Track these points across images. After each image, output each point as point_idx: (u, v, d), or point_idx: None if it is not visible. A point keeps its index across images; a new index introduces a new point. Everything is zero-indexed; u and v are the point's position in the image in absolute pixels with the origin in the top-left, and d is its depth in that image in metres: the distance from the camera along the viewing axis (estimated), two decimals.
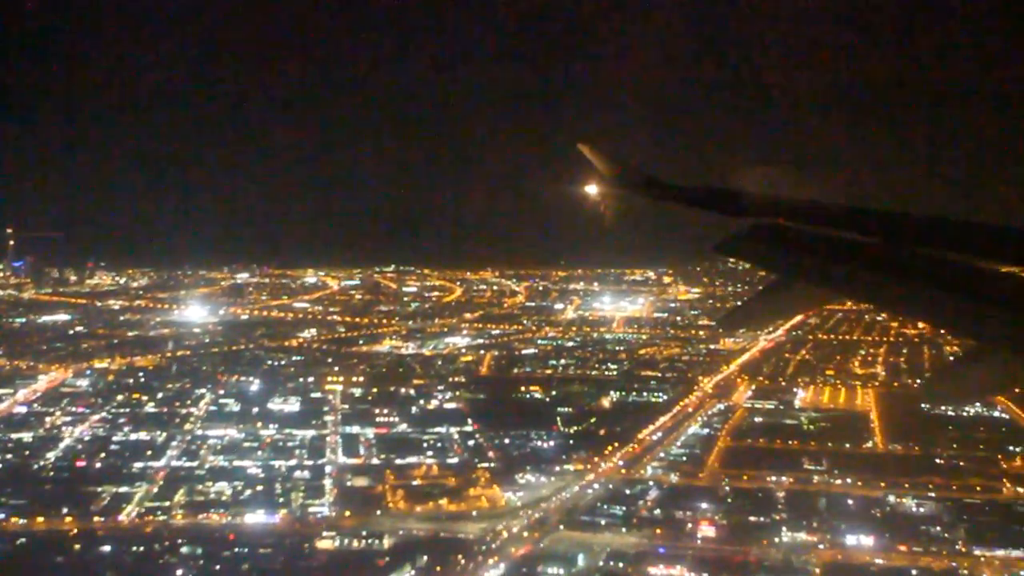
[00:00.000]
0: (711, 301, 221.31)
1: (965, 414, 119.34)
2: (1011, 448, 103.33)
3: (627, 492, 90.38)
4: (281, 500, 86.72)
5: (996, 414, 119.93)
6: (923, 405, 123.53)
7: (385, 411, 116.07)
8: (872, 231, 7.53)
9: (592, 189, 13.02)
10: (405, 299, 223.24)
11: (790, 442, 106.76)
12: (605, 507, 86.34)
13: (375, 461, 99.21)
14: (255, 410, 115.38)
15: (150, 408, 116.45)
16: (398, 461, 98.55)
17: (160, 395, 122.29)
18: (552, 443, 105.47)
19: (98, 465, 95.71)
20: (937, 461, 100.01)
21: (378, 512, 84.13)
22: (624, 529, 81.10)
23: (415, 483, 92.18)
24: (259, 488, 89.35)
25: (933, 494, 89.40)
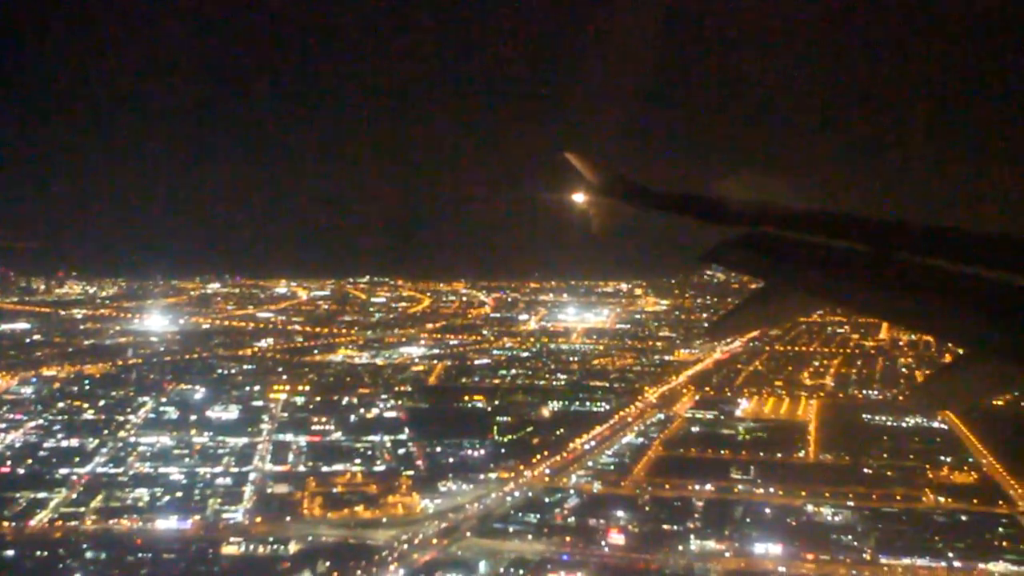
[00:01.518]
0: (677, 313, 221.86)
1: (905, 424, 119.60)
2: (942, 458, 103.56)
3: (546, 500, 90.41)
4: (197, 506, 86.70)
5: (935, 425, 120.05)
6: (864, 416, 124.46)
7: (323, 419, 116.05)
8: (863, 239, 7.45)
9: (579, 198, 12.99)
10: (371, 309, 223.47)
11: (722, 452, 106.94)
12: (520, 515, 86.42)
13: (301, 468, 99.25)
14: (193, 417, 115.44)
15: (88, 415, 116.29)
16: (324, 469, 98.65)
17: (102, 403, 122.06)
18: (483, 452, 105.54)
19: (21, 471, 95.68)
20: (865, 471, 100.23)
21: (289, 518, 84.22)
22: (534, 536, 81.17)
23: (335, 490, 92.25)
24: (178, 494, 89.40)
25: (852, 503, 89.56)
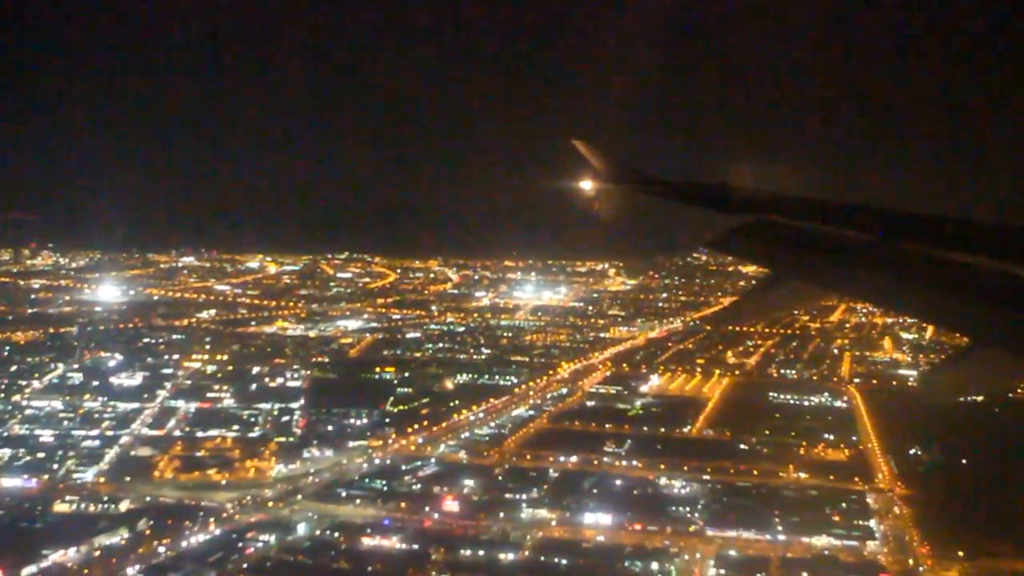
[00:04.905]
0: (638, 293, 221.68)
1: (807, 403, 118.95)
2: (826, 436, 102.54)
3: (402, 468, 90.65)
4: (52, 467, 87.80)
5: (837, 404, 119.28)
6: (771, 394, 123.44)
7: (224, 387, 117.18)
8: (866, 228, 7.57)
9: (586, 185, 13.03)
10: (331, 284, 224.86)
11: (607, 425, 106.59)
12: (367, 481, 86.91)
13: (177, 433, 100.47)
14: (95, 383, 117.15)
15: None
16: (199, 434, 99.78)
17: (13, 368, 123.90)
18: (366, 421, 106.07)
19: None
20: (741, 447, 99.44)
21: (135, 479, 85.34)
22: (368, 502, 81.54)
23: (198, 454, 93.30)
24: (38, 455, 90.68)
25: (707, 477, 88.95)
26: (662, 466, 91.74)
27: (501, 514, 78.35)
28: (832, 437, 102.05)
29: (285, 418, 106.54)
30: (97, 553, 69.13)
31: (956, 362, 6.21)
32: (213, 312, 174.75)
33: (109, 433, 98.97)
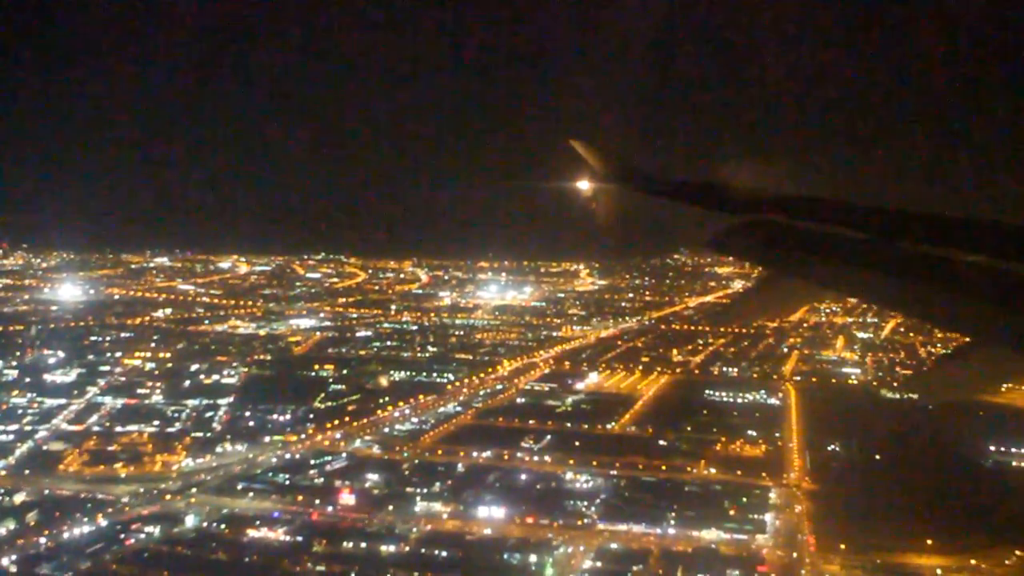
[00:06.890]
0: (603, 293, 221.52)
1: (741, 400, 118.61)
2: (749, 432, 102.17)
3: (311, 462, 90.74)
4: None
5: (771, 401, 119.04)
6: (707, 391, 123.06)
7: (157, 384, 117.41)
8: (865, 227, 7.60)
9: (584, 185, 13.00)
10: (297, 284, 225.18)
11: (531, 421, 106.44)
12: (270, 475, 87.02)
13: (96, 428, 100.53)
14: (28, 380, 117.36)
15: None
16: (118, 429, 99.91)
17: None
18: (290, 417, 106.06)
19: None
20: (660, 443, 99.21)
21: (31, 472, 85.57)
22: (264, 495, 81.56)
23: (109, 449, 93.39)
24: None
25: (614, 472, 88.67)
26: (571, 461, 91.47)
27: (391, 507, 78.20)
28: (754, 433, 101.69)
29: (209, 414, 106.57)
30: None
31: (953, 360, 6.18)
32: (169, 311, 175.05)
33: (27, 428, 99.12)
